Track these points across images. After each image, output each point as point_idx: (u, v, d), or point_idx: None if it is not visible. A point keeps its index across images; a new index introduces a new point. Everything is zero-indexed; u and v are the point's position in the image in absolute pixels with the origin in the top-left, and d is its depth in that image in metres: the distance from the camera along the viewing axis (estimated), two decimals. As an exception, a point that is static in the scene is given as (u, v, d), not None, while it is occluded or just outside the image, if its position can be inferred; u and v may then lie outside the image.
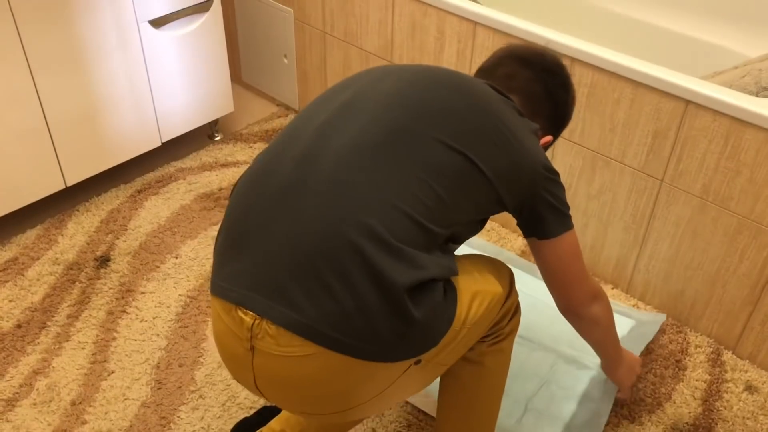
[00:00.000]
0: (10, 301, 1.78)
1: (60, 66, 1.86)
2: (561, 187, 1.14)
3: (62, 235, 1.99)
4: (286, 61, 2.50)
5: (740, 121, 1.47)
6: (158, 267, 1.89)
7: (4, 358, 1.63)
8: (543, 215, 1.12)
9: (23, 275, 1.85)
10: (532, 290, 1.79)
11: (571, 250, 1.15)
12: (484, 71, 1.25)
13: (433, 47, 1.97)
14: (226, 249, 1.02)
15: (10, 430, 1.48)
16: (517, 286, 1.75)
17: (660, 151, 1.62)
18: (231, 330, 0.99)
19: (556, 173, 1.14)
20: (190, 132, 2.33)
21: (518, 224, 1.16)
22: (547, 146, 1.25)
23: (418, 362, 1.00)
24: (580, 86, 1.69)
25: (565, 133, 1.78)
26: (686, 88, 1.51)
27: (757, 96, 1.59)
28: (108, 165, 2.10)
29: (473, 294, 1.07)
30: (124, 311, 1.76)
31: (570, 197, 1.86)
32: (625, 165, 1.70)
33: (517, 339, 1.65)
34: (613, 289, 1.87)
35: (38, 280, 1.84)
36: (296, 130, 1.05)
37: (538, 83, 1.21)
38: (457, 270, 1.05)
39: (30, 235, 1.98)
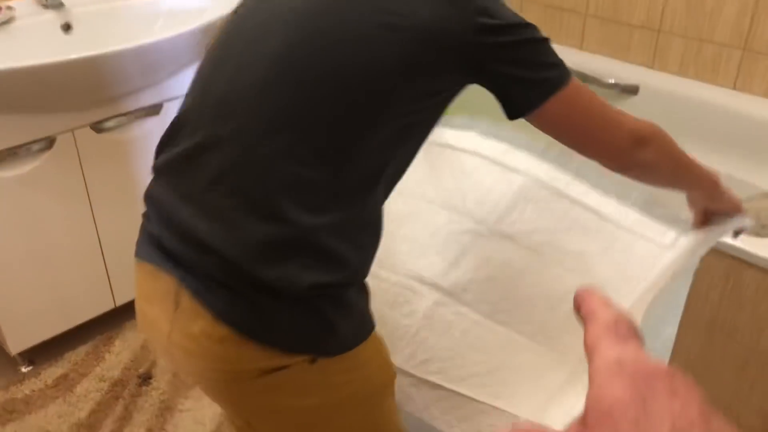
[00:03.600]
0: (59, 417, 1.91)
1: (116, 200, 2.07)
2: (521, 43, 0.89)
3: (109, 353, 2.13)
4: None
5: (740, 261, 1.56)
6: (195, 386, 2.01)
7: (51, 473, 1.75)
8: (509, 90, 0.91)
9: (72, 391, 1.99)
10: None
11: (567, 112, 0.92)
12: None
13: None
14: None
15: None
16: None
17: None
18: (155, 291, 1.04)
19: (508, 26, 0.87)
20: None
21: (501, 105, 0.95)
22: None
23: (314, 361, 0.94)
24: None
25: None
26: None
27: (758, 236, 1.69)
28: (154, 285, 2.27)
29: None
30: (163, 429, 1.87)
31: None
32: (636, 296, 1.79)
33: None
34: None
35: (85, 396, 1.97)
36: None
37: None
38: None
39: (80, 351, 2.13)
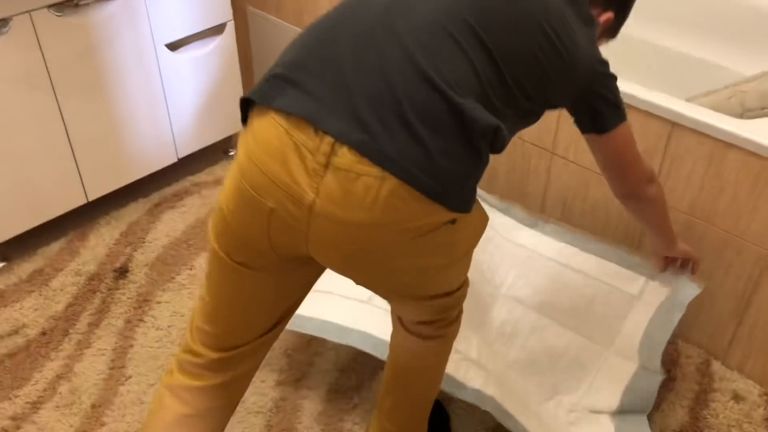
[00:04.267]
0: (35, 309, 1.89)
1: (83, 89, 1.98)
2: (613, 79, 1.17)
3: (84, 247, 2.10)
4: (297, 79, 2.60)
5: (723, 143, 1.54)
6: (174, 278, 2.00)
7: (29, 363, 1.75)
8: (599, 110, 1.16)
9: (48, 285, 1.97)
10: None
11: (626, 140, 1.21)
12: None
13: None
14: (296, 68, 0.97)
15: (35, 431, 1.59)
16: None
17: (649, 170, 1.70)
18: (297, 148, 0.93)
19: (608, 65, 1.15)
20: (205, 148, 2.44)
21: (575, 121, 1.20)
22: (609, 25, 1.25)
23: (453, 222, 1.01)
24: (573, 107, 1.77)
25: (560, 151, 1.86)
26: (671, 110, 1.59)
27: (741, 117, 1.66)
28: (127, 180, 2.22)
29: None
30: (141, 320, 1.87)
31: (565, 214, 1.93)
32: (617, 182, 1.78)
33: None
34: (607, 300, 1.95)
35: (61, 290, 1.96)
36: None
37: None
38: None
39: (54, 247, 2.10)
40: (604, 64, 1.14)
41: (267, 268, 1.07)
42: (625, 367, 1.61)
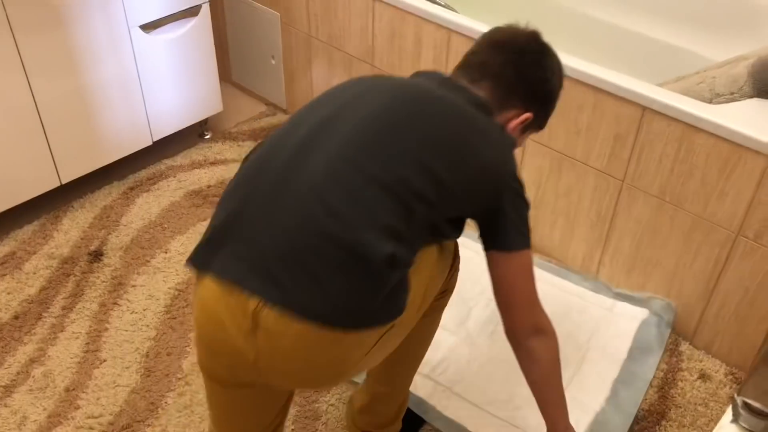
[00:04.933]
0: (8, 293, 1.88)
1: (54, 70, 1.96)
2: (525, 204, 1.14)
3: (57, 231, 2.09)
4: (273, 62, 2.59)
5: (692, 127, 1.56)
6: (148, 261, 1.99)
7: (2, 347, 1.73)
8: (503, 226, 1.12)
9: (20, 269, 1.95)
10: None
11: (522, 270, 1.14)
12: (462, 62, 1.25)
13: (411, 53, 2.06)
14: (222, 233, 1.05)
15: (9, 415, 1.58)
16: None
17: (620, 154, 1.72)
18: (230, 310, 1.01)
19: (523, 186, 1.14)
20: (180, 131, 2.42)
21: (479, 236, 1.17)
22: (528, 124, 1.23)
23: (393, 326, 1.06)
24: (547, 91, 1.78)
25: (535, 136, 1.88)
26: (642, 95, 1.61)
27: (710, 102, 1.69)
28: (101, 163, 2.20)
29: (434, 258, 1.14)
30: (116, 303, 1.86)
31: (539, 196, 1.95)
32: (589, 166, 1.80)
33: None
34: (580, 283, 1.98)
35: (35, 273, 1.94)
36: (282, 138, 1.10)
37: (508, 67, 1.20)
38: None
39: (27, 230, 2.08)
40: (518, 182, 1.12)
41: (246, 386, 1.12)
42: (609, 368, 1.71)
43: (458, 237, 1.16)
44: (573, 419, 1.58)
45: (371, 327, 1.01)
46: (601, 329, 1.80)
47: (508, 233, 1.12)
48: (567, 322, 1.82)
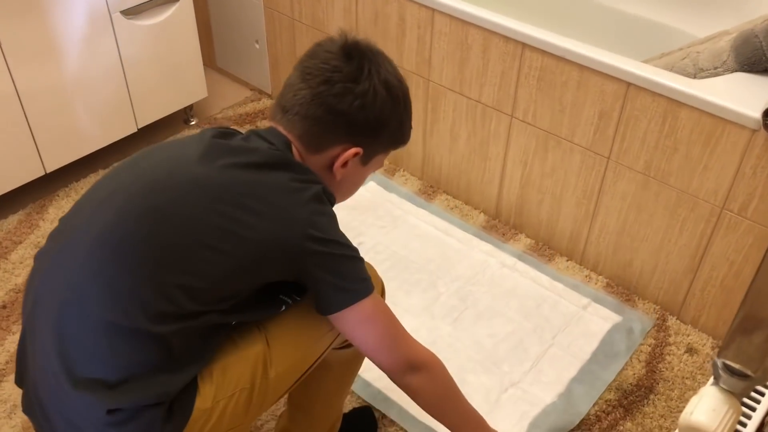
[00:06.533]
0: (-5, 283, 1.87)
1: (35, 57, 1.94)
2: (342, 258, 1.03)
3: (43, 220, 2.07)
4: (257, 46, 2.57)
5: (676, 102, 1.57)
6: (136, 248, 1.98)
7: (-10, 337, 1.73)
8: (320, 291, 1.04)
9: (7, 258, 1.94)
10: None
11: (362, 322, 1.06)
12: (278, 96, 1.12)
13: (395, 33, 2.05)
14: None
15: (-2, 404, 1.58)
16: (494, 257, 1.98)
17: (605, 131, 1.73)
18: None
19: (333, 240, 1.02)
20: (165, 117, 2.41)
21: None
22: (367, 154, 1.12)
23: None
24: (531, 70, 1.79)
25: (520, 114, 1.88)
26: (626, 70, 1.61)
27: (694, 77, 1.69)
28: (86, 151, 2.18)
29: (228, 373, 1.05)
30: (104, 291, 1.85)
31: (526, 175, 1.96)
32: (575, 144, 1.81)
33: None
34: (567, 261, 1.98)
35: (21, 263, 1.93)
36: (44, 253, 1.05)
37: (315, 102, 1.05)
38: (209, 357, 1.03)
39: (12, 220, 2.07)
40: (321, 240, 1.00)
41: None
42: (569, 367, 1.70)
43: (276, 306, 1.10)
44: (519, 412, 1.59)
45: None
46: (570, 327, 1.80)
47: (327, 296, 1.04)
48: (536, 316, 1.82)
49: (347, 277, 1.03)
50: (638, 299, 1.87)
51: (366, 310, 1.05)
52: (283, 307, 1.12)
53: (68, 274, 0.97)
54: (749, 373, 1.01)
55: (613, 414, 1.60)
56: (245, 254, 0.98)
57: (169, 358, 0.96)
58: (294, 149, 1.08)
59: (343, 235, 1.05)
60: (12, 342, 1.71)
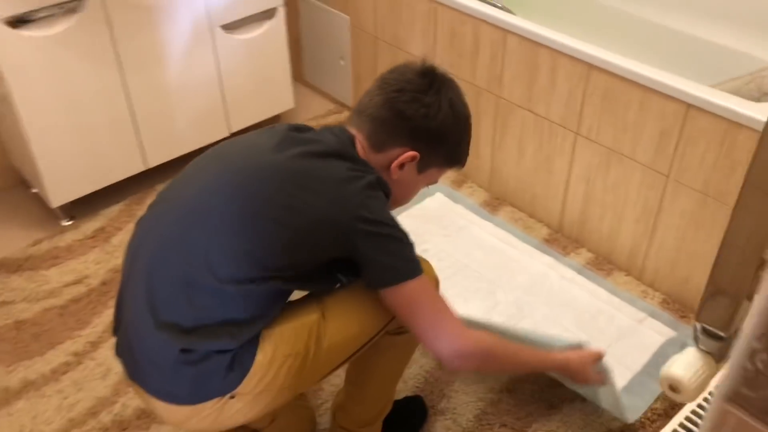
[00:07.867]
0: (98, 263, 2.09)
1: (145, 64, 2.17)
2: (390, 239, 1.13)
3: (141, 210, 2.30)
4: (342, 63, 2.75)
5: (735, 123, 1.62)
6: (221, 240, 2.18)
7: (91, 309, 1.94)
8: (367, 268, 1.14)
9: (109, 242, 2.17)
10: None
11: (406, 302, 1.14)
12: (356, 103, 1.28)
13: (470, 52, 2.18)
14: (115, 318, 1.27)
15: (94, 366, 1.78)
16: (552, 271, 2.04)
17: (665, 149, 1.79)
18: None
19: (383, 223, 1.12)
20: (254, 124, 2.61)
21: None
22: (424, 162, 1.24)
23: (232, 397, 1.16)
24: (596, 89, 1.87)
25: (584, 131, 1.96)
26: (686, 92, 1.68)
27: (758, 101, 1.74)
28: (183, 151, 2.41)
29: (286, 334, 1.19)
30: (191, 276, 2.05)
31: (588, 190, 2.03)
32: (636, 161, 1.87)
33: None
34: (626, 276, 2.04)
35: (120, 246, 2.15)
36: (142, 231, 1.26)
37: (385, 106, 1.20)
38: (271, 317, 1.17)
39: (114, 209, 2.31)
40: (372, 222, 1.11)
41: None
42: (620, 376, 1.72)
43: (334, 282, 1.23)
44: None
45: (193, 403, 1.14)
46: (625, 339, 1.83)
47: (374, 272, 1.13)
48: (592, 328, 1.86)
49: (393, 256, 1.13)
50: (694, 316, 1.90)
51: (411, 292, 1.13)
52: (338, 285, 1.25)
53: (158, 238, 1.17)
54: (722, 334, 1.10)
55: (658, 422, 1.64)
56: (300, 228, 1.12)
57: (237, 314, 1.12)
58: (359, 146, 1.23)
59: (393, 218, 1.16)
60: (108, 315, 1.92)
